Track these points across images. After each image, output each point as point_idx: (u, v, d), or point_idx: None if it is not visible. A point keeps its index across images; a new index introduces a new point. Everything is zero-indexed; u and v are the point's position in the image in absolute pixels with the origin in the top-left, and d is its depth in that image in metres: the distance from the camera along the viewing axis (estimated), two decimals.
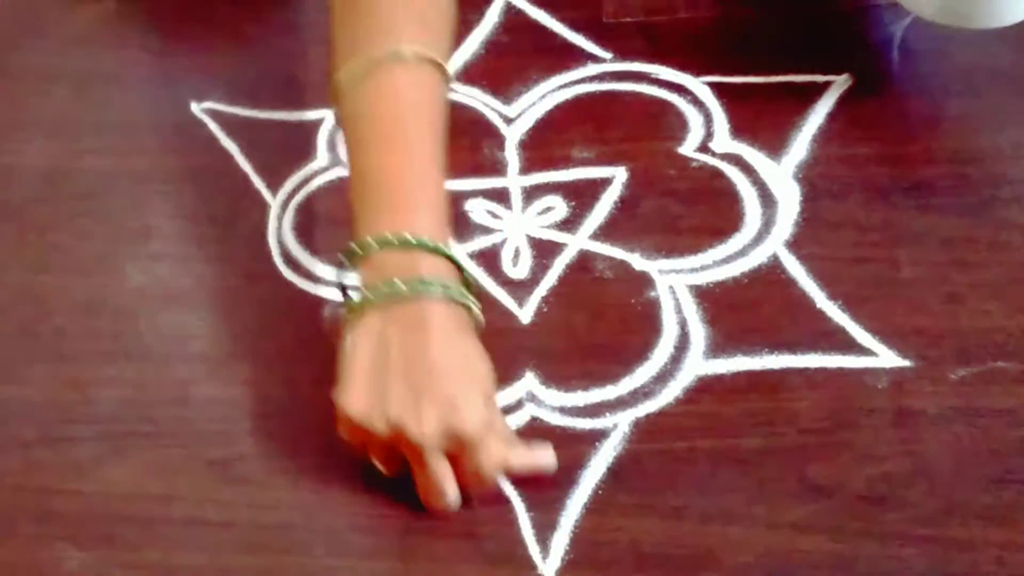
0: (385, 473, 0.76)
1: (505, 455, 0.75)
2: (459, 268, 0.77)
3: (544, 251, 0.89)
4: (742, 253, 0.87)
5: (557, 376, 0.82)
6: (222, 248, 0.90)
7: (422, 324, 0.74)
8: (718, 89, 0.98)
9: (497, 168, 0.94)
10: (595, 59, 1.01)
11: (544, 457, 0.77)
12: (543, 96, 0.99)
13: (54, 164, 0.98)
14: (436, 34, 0.84)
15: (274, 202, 0.93)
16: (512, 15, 1.06)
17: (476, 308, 0.78)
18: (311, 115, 0.99)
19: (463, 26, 1.05)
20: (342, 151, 0.96)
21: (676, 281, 0.86)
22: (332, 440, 0.79)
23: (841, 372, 0.80)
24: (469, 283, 0.77)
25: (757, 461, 0.77)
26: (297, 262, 0.89)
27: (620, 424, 0.79)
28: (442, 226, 0.78)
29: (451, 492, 0.74)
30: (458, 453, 0.73)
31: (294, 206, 0.93)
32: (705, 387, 0.80)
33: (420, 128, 0.81)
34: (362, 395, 0.73)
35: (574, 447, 0.78)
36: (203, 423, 0.81)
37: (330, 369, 0.82)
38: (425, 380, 0.73)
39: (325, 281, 0.88)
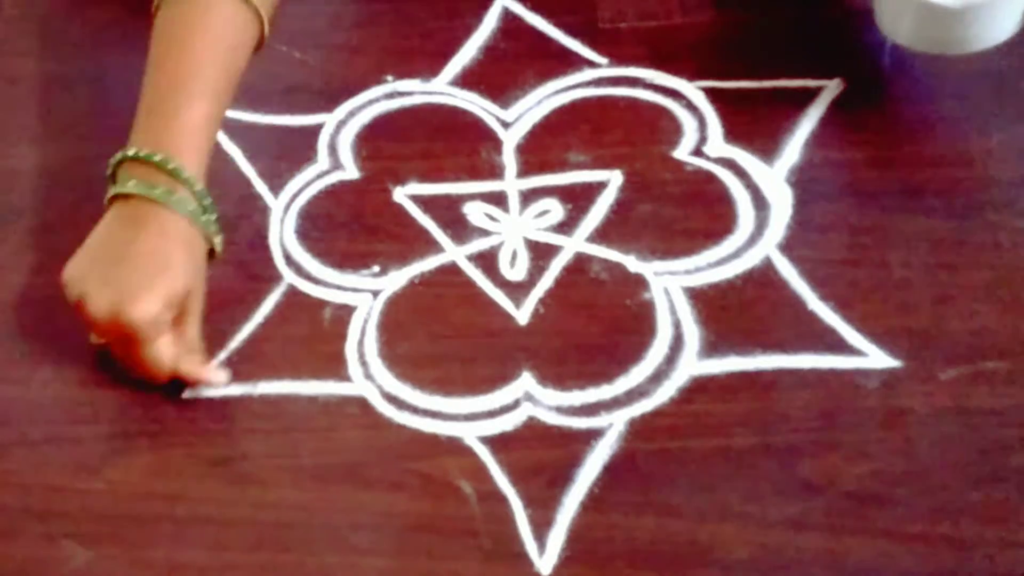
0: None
1: (171, 357, 0.82)
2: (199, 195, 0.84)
3: (541, 253, 0.90)
4: (735, 255, 0.88)
5: (554, 376, 0.82)
6: (225, 250, 0.90)
7: (135, 222, 0.83)
8: (712, 94, 0.99)
9: (495, 172, 0.95)
10: (591, 64, 1.02)
11: (215, 376, 0.84)
12: (540, 101, 1.00)
13: (59, 167, 0.98)
14: None
15: (276, 205, 0.94)
16: (509, 20, 1.06)
17: (205, 228, 0.85)
18: (312, 119, 1.00)
19: (461, 31, 1.06)
20: (342, 155, 0.97)
21: (671, 283, 0.87)
22: (332, 439, 0.81)
23: (833, 372, 0.81)
24: (208, 210, 0.85)
25: (750, 460, 0.78)
26: (299, 264, 0.90)
27: (616, 423, 0.80)
28: (190, 152, 0.85)
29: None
30: (129, 342, 0.81)
31: (296, 209, 0.94)
32: (699, 387, 0.81)
33: (207, 61, 0.88)
34: (73, 267, 0.83)
35: (571, 446, 0.79)
36: (206, 423, 0.82)
37: (329, 368, 0.84)
38: (115, 269, 0.81)
39: (326, 283, 0.89)
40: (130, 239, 0.82)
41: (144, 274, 0.81)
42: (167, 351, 0.82)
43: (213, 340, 0.86)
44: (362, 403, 0.82)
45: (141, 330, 0.80)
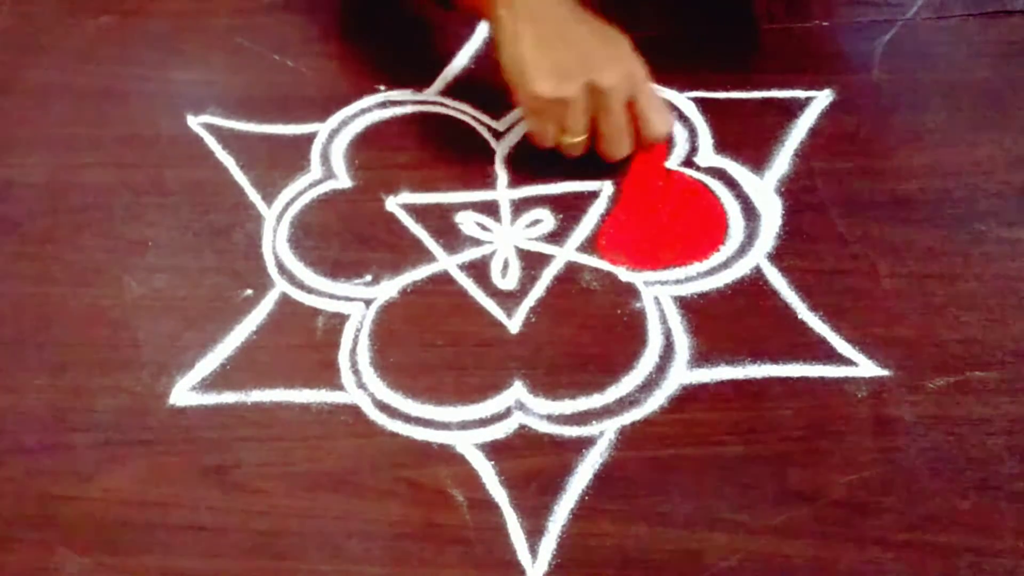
0: (577, 150, 0.92)
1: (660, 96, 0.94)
2: None
3: (532, 263, 0.90)
4: (725, 265, 0.88)
5: (545, 385, 0.83)
6: (218, 259, 0.91)
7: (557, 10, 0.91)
8: (703, 104, 0.99)
9: (486, 181, 0.96)
10: None
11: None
12: None
13: (54, 177, 0.99)
14: None
15: (269, 214, 0.94)
16: None
17: None
18: (305, 129, 1.00)
19: (453, 41, 1.06)
20: (335, 164, 0.97)
21: (661, 292, 0.87)
22: (325, 447, 0.81)
23: (822, 381, 0.82)
24: None
25: (740, 468, 0.78)
26: (292, 273, 0.90)
27: (607, 432, 0.80)
28: None
29: (631, 139, 0.92)
30: (632, 99, 0.89)
31: (289, 218, 0.94)
32: (689, 396, 0.82)
33: None
34: (548, 77, 0.88)
35: (562, 454, 0.79)
36: (199, 431, 0.82)
37: (322, 376, 0.84)
38: (592, 47, 0.89)
39: (319, 292, 0.89)
40: (567, 26, 0.91)
41: (613, 41, 0.91)
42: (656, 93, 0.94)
43: (206, 348, 0.87)
44: (355, 411, 0.83)
45: (646, 80, 0.91)
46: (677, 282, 0.88)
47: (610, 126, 0.90)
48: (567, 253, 0.90)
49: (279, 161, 0.98)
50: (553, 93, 0.88)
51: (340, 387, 0.84)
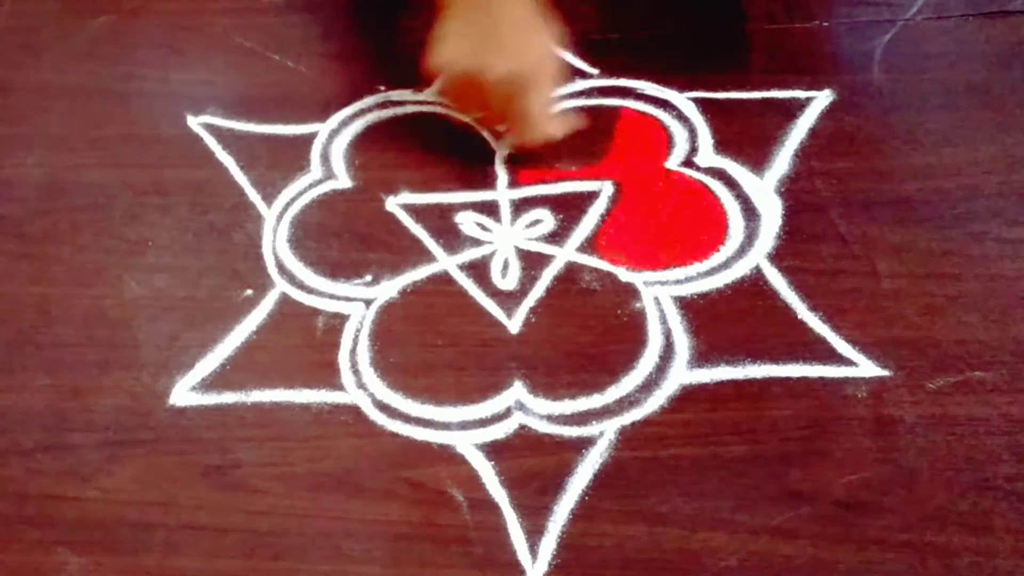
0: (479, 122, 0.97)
1: (551, 106, 0.95)
2: None
3: (532, 263, 0.90)
4: (725, 266, 0.88)
5: (545, 385, 0.83)
6: (218, 260, 0.91)
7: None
8: (702, 104, 0.99)
9: (487, 181, 0.96)
10: (582, 74, 1.02)
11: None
12: None
13: (53, 177, 0.99)
14: None
15: (269, 214, 0.94)
16: None
17: None
18: (306, 129, 1.00)
19: None
20: (335, 164, 0.97)
21: (661, 292, 0.87)
22: (325, 447, 0.81)
23: (822, 382, 0.82)
24: None
25: (740, 468, 0.78)
26: (292, 273, 0.90)
27: (607, 432, 0.80)
28: None
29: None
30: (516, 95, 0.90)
31: (289, 218, 0.94)
32: (689, 396, 0.82)
33: None
34: (442, 54, 0.91)
35: (562, 454, 0.79)
36: (199, 431, 0.82)
37: (322, 376, 0.84)
38: (497, 38, 0.90)
39: (319, 292, 0.89)
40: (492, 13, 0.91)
41: (524, 36, 0.91)
42: (547, 99, 0.94)
43: (206, 348, 0.87)
44: (355, 411, 0.83)
45: (528, 82, 0.90)
46: (677, 282, 0.88)
47: (492, 116, 0.96)
48: (567, 253, 0.90)
49: (279, 161, 0.98)
50: (437, 70, 0.93)
51: (340, 387, 0.84)
